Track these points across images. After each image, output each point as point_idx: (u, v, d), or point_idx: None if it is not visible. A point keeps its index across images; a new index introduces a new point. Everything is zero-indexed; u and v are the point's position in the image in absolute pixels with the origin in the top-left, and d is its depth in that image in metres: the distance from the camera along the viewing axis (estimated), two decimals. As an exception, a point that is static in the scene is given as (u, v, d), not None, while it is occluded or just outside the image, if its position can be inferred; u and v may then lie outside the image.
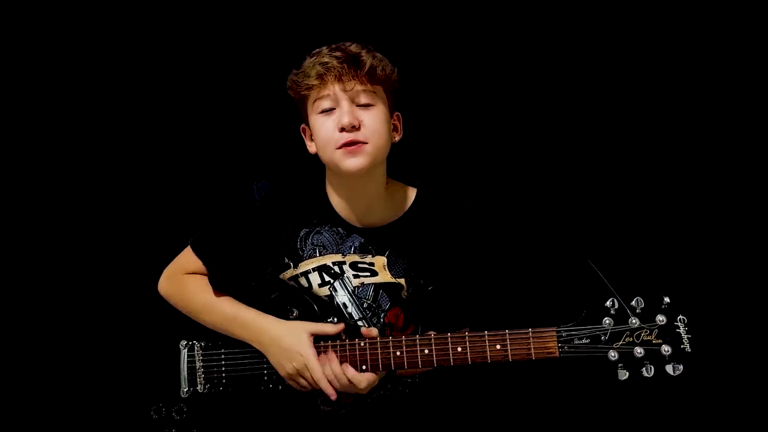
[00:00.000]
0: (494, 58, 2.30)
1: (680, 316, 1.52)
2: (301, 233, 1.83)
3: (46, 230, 2.38)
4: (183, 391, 1.84)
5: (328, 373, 1.69)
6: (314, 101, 1.74)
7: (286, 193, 1.83)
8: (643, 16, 2.24)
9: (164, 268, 1.88)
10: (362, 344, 1.70)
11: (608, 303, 1.56)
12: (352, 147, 1.70)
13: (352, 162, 1.71)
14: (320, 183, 1.85)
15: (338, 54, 1.72)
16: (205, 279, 1.82)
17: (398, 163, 1.85)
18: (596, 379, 1.59)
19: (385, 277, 1.82)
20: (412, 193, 1.86)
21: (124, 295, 2.33)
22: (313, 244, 1.82)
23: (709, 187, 2.24)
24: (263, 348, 1.75)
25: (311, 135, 1.80)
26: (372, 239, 1.82)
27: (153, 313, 1.99)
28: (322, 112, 1.73)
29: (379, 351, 1.69)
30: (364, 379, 1.69)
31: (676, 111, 2.25)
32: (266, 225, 1.81)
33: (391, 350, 1.68)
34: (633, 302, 1.55)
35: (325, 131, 1.73)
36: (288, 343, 1.71)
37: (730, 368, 2.12)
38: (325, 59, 1.71)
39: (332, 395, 1.69)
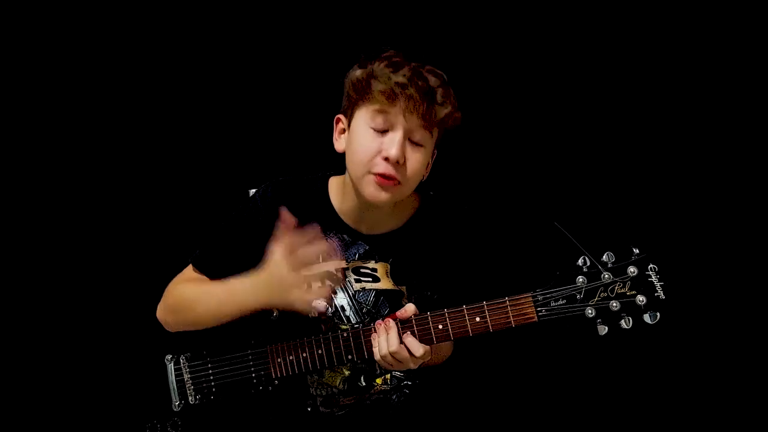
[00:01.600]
0: (495, 64, 2.29)
1: (651, 265, 1.54)
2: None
3: (38, 244, 2.36)
4: (175, 405, 1.84)
5: (384, 344, 1.61)
6: (371, 113, 1.65)
7: (288, 197, 1.77)
8: (640, 16, 2.25)
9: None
10: (345, 335, 1.70)
11: (580, 261, 1.57)
12: (387, 182, 1.65)
13: (379, 195, 1.66)
14: (323, 188, 1.81)
15: (420, 83, 1.62)
16: (191, 278, 1.79)
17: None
18: (577, 337, 1.61)
19: (386, 284, 1.80)
20: (416, 200, 1.82)
21: (107, 314, 2.32)
22: None
23: (667, 140, 2.26)
24: (261, 295, 1.64)
25: (343, 129, 1.74)
26: (376, 247, 1.79)
27: (136, 330, 2.00)
28: (374, 128, 1.64)
29: (362, 338, 1.69)
30: (422, 348, 1.61)
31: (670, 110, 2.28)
32: (269, 228, 1.70)
33: (375, 333, 1.69)
34: (604, 257, 1.57)
35: (366, 149, 1.65)
36: (272, 274, 1.61)
37: (704, 311, 2.16)
38: (405, 81, 1.61)
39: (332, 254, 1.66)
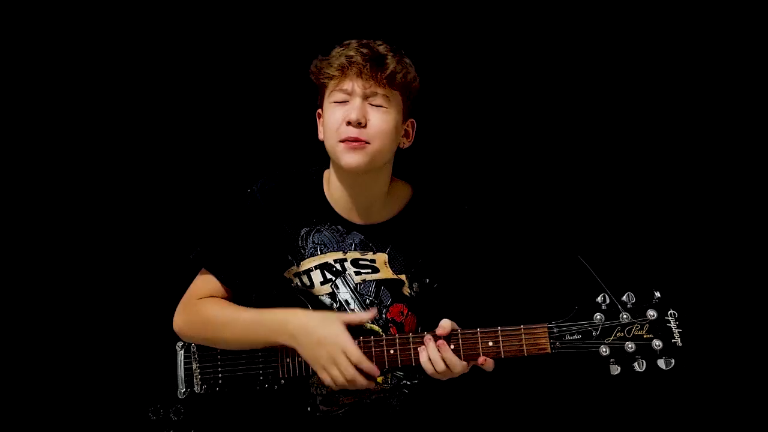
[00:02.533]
0: (489, 58, 2.31)
1: (671, 311, 1.53)
2: (302, 232, 1.84)
3: (41, 233, 2.37)
4: (180, 392, 1.84)
5: (432, 355, 1.65)
6: (332, 90, 1.77)
7: (284, 191, 1.84)
8: (632, 15, 2.25)
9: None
10: (357, 342, 1.71)
11: (599, 299, 1.57)
12: (354, 144, 1.73)
13: (351, 158, 1.73)
14: (318, 181, 1.87)
15: (365, 51, 1.75)
16: (218, 300, 1.81)
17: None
18: (588, 374, 1.59)
19: (386, 273, 1.83)
20: (409, 189, 1.89)
21: (120, 299, 2.33)
22: (314, 242, 1.83)
23: (697, 184, 2.25)
24: (295, 341, 1.69)
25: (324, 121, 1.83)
26: (372, 236, 1.84)
27: (149, 315, 2.01)
28: (336, 102, 1.76)
29: (372, 348, 1.69)
30: (458, 363, 1.64)
31: (665, 108, 2.27)
32: (269, 221, 1.81)
33: (385, 349, 1.69)
34: (624, 297, 1.56)
35: (333, 121, 1.75)
36: (322, 332, 1.67)
37: (721, 361, 2.13)
38: (351, 53, 1.75)
39: (375, 372, 1.67)
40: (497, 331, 1.61)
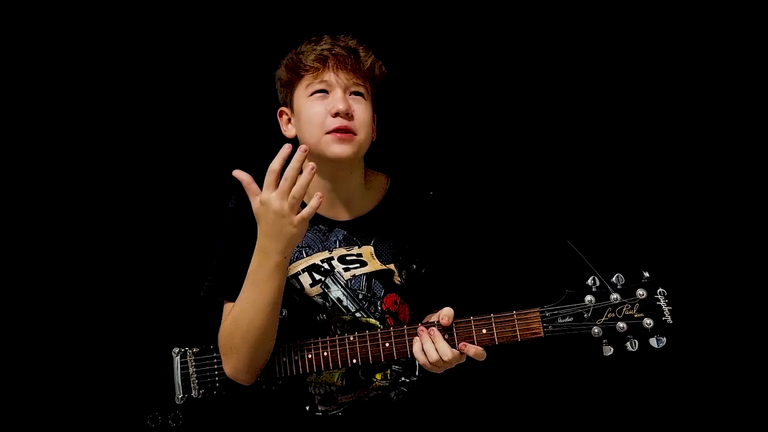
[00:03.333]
0: (460, 48, 2.34)
1: (660, 289, 1.54)
2: None
3: (38, 239, 2.36)
4: (178, 398, 1.85)
5: (425, 346, 1.64)
6: (309, 83, 1.77)
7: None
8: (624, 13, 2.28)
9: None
10: (351, 338, 1.72)
11: (589, 281, 1.58)
12: (344, 135, 1.74)
13: (340, 148, 1.74)
14: None
15: (341, 44, 1.79)
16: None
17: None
18: (581, 355, 1.61)
19: (374, 265, 1.84)
20: (385, 179, 1.91)
21: (115, 306, 2.33)
22: (298, 246, 1.82)
23: (682, 164, 2.28)
24: (272, 243, 1.63)
25: (289, 119, 1.84)
26: (354, 230, 1.84)
27: (144, 322, 2.01)
28: (314, 94, 1.76)
29: (368, 343, 1.71)
30: (449, 352, 1.63)
31: (647, 92, 2.30)
32: (253, 232, 1.72)
33: (380, 342, 1.70)
34: (613, 278, 1.57)
35: (314, 114, 1.75)
36: (270, 211, 1.61)
37: (710, 337, 2.15)
38: (329, 46, 1.78)
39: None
40: (490, 318, 1.62)
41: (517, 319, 1.60)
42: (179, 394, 1.85)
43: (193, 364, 1.85)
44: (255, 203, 1.62)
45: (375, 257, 1.84)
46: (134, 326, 2.24)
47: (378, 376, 1.85)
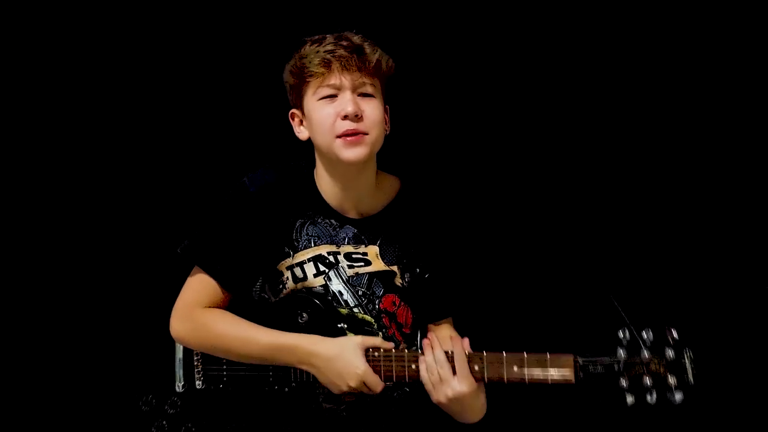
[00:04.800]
0: (475, 49, 2.31)
1: (686, 350, 1.64)
2: (297, 224, 1.83)
3: (39, 227, 2.32)
4: (178, 386, 1.83)
5: (431, 360, 1.69)
6: (316, 88, 1.75)
7: (279, 182, 1.83)
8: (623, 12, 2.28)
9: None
10: (376, 354, 1.73)
11: (620, 334, 1.65)
12: (354, 137, 1.73)
13: (353, 152, 1.73)
14: (309, 175, 1.86)
15: (345, 43, 1.75)
16: (226, 312, 1.78)
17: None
18: (603, 400, 1.70)
19: (378, 265, 1.86)
20: (397, 181, 1.91)
21: (117, 294, 2.30)
22: (308, 234, 1.84)
23: (714, 217, 2.30)
24: (315, 369, 1.73)
25: (301, 121, 1.82)
26: (364, 229, 1.86)
27: (148, 308, 1.94)
28: (323, 98, 1.75)
29: (393, 364, 1.72)
30: (451, 378, 1.69)
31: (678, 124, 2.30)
32: (263, 213, 1.80)
33: (406, 364, 1.72)
34: (643, 333, 1.64)
35: (325, 118, 1.74)
36: (343, 363, 1.70)
37: (731, 399, 2.25)
38: (332, 47, 1.74)
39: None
40: (523, 355, 1.66)
41: (551, 363, 1.65)
42: (179, 382, 1.82)
43: (198, 355, 1.82)
44: (359, 353, 1.70)
45: (379, 257, 1.86)
46: (138, 314, 2.19)
47: None
